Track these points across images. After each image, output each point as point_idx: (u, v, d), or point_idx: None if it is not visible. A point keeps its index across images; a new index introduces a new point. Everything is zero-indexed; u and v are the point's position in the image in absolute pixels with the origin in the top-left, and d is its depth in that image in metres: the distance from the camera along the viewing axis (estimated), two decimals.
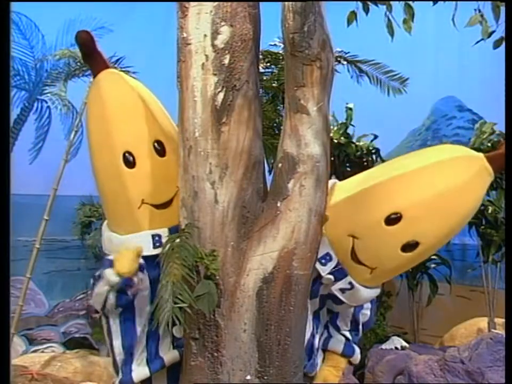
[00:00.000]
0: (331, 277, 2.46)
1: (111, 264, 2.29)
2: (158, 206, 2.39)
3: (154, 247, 2.35)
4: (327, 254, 2.43)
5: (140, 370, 2.39)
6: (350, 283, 2.47)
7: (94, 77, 2.49)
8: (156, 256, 2.27)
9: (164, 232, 2.35)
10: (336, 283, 2.48)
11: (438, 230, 2.40)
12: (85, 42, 2.40)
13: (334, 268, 2.44)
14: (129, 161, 2.37)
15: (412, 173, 2.42)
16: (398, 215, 2.35)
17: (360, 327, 2.70)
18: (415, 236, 2.36)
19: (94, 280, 2.39)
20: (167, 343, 2.36)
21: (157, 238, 2.35)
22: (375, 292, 2.60)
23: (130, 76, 2.75)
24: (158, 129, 2.45)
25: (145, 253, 2.34)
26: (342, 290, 2.49)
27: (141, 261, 2.29)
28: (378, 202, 2.39)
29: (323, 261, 2.42)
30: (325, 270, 2.45)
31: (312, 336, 2.52)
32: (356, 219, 2.40)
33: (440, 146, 3.00)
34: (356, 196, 2.43)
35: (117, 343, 2.42)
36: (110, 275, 2.27)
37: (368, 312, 2.70)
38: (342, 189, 2.53)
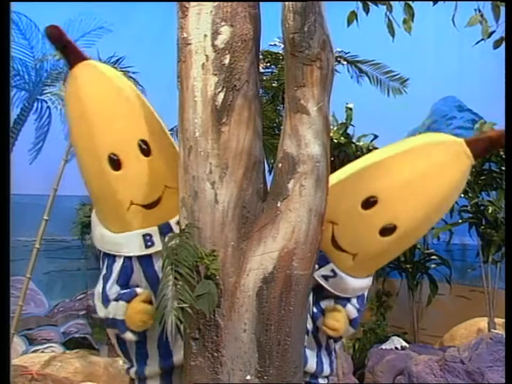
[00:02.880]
0: None
1: (123, 326, 2.34)
2: (146, 206, 2.39)
3: (146, 246, 2.38)
4: None
5: (151, 366, 2.43)
6: (333, 270, 2.49)
7: (70, 69, 2.42)
8: (150, 255, 2.36)
9: (154, 231, 2.38)
10: (318, 270, 2.48)
11: (413, 213, 2.42)
12: (55, 36, 2.33)
13: None
14: (115, 164, 2.35)
15: (386, 159, 2.50)
16: (374, 198, 2.41)
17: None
18: (391, 218, 2.41)
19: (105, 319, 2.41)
20: (180, 344, 2.33)
21: (147, 238, 2.38)
22: (365, 283, 2.59)
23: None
24: (142, 128, 2.41)
25: (137, 253, 2.38)
26: (325, 277, 2.50)
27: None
28: (355, 188, 2.47)
29: None
30: None
31: None
32: (334, 206, 2.41)
33: (422, 135, 3.08)
34: (334, 186, 2.44)
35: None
36: (127, 335, 2.35)
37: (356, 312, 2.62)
38: None
